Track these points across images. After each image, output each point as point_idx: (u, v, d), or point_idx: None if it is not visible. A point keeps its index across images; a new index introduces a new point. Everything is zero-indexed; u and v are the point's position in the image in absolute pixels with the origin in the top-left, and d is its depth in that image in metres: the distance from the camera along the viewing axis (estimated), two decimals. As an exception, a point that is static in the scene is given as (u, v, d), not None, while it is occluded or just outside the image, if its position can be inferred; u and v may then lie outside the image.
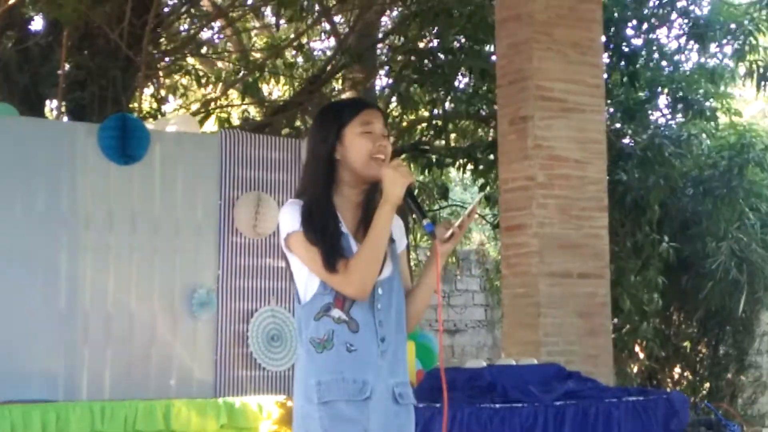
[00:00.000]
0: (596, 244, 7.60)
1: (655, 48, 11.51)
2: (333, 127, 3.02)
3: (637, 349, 11.77)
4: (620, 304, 10.31)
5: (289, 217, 2.98)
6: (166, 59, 11.70)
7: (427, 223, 2.94)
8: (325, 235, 2.92)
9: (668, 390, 10.46)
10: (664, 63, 11.68)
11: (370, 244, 2.92)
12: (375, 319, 2.97)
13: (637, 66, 11.08)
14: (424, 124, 12.68)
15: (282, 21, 12.18)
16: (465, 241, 17.25)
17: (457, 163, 12.03)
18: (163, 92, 12.81)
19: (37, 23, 10.71)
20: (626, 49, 11.01)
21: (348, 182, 3.03)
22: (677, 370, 12.29)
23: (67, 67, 9.76)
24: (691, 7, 11.59)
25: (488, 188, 11.71)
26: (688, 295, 11.68)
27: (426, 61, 11.44)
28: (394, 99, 12.48)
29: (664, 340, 11.58)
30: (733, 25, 11.49)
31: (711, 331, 12.20)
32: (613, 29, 10.93)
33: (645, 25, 11.36)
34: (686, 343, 12.35)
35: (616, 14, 10.97)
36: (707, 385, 12.24)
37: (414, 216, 3.01)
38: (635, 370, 11.94)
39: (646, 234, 10.81)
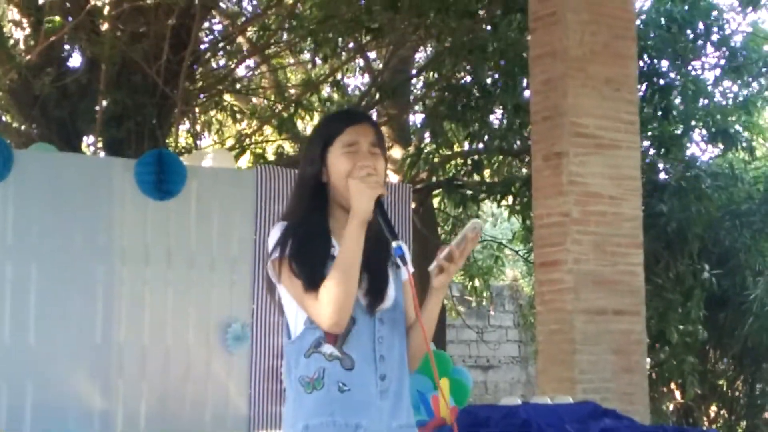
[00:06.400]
0: (631, 281, 7.55)
1: (690, 81, 11.49)
2: (318, 148, 2.76)
3: (672, 386, 11.64)
4: (668, 336, 10.20)
5: (274, 241, 2.72)
6: (202, 95, 11.80)
7: (396, 246, 2.59)
8: (308, 253, 2.65)
9: (704, 429, 10.34)
10: (699, 95, 11.64)
11: (338, 267, 2.60)
12: (375, 354, 2.67)
13: (671, 99, 11.04)
14: (458, 160, 12.69)
15: (318, 59, 12.25)
16: (499, 277, 17.21)
17: (492, 197, 12.02)
18: (198, 128, 12.91)
19: (75, 60, 10.85)
20: (660, 82, 10.99)
21: (339, 204, 2.75)
22: (713, 408, 12.14)
23: (104, 103, 9.87)
24: (727, 37, 11.57)
25: (524, 223, 11.66)
26: (725, 331, 11.56)
27: (460, 96, 11.45)
28: (427, 134, 12.51)
29: (701, 377, 11.46)
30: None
31: (747, 368, 12.06)
32: (647, 62, 10.92)
33: (680, 59, 11.34)
34: (722, 381, 12.20)
35: (650, 47, 10.96)
36: (744, 423, 12.08)
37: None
38: (671, 408, 11.81)
39: (687, 264, 10.71)
